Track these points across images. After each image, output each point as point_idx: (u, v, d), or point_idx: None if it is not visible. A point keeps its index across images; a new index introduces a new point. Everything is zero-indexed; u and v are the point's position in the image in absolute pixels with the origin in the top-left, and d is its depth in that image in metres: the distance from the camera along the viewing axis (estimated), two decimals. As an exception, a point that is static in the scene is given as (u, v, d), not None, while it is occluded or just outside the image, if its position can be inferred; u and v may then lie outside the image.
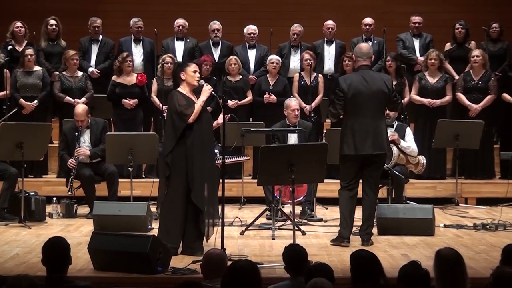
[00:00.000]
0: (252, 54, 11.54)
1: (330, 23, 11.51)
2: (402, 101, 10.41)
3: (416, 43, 11.52)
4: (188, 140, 7.11)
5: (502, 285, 4.18)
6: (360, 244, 7.62)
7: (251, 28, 11.56)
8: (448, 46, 11.42)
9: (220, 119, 7.73)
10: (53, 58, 11.20)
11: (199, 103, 7.16)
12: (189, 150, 7.10)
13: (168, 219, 7.18)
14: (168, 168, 7.13)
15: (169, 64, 10.58)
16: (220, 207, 7.17)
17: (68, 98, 10.60)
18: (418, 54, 11.45)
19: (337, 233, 7.77)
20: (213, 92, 7.29)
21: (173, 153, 7.13)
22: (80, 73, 10.79)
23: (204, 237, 7.20)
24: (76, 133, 9.42)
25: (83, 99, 10.62)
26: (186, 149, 7.10)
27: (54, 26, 11.19)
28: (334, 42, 11.46)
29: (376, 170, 7.78)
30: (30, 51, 10.53)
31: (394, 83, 10.65)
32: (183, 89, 7.28)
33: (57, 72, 10.91)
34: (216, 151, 9.35)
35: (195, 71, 7.27)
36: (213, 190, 7.23)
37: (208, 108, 10.65)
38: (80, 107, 9.58)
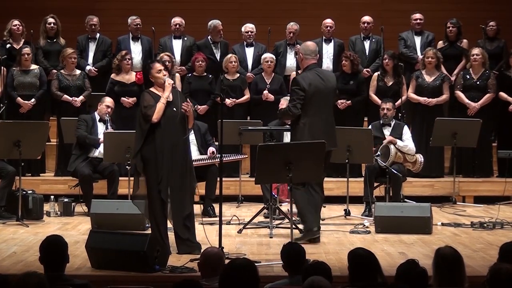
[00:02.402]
0: (250, 52, 11.52)
1: (329, 21, 11.48)
2: (401, 99, 10.49)
3: (417, 41, 11.49)
4: (157, 138, 7.09)
5: (499, 281, 4.18)
6: (310, 241, 7.56)
7: (248, 27, 11.54)
8: (440, 44, 11.42)
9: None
10: (51, 56, 11.18)
11: (161, 101, 7.11)
12: (158, 148, 7.08)
13: (154, 217, 7.16)
14: (136, 170, 7.17)
15: (167, 62, 10.55)
16: (218, 206, 7.16)
17: (66, 96, 10.60)
18: (419, 53, 11.43)
19: (304, 231, 7.83)
20: (174, 85, 7.27)
21: (144, 152, 7.09)
22: (78, 72, 10.79)
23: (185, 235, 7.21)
24: (106, 118, 9.54)
25: (81, 97, 10.62)
26: (155, 147, 7.08)
27: (52, 24, 11.16)
28: (332, 41, 11.44)
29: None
30: (27, 49, 10.52)
31: (391, 82, 10.73)
32: (155, 89, 7.25)
33: (55, 71, 10.90)
34: (213, 149, 9.36)
35: (159, 71, 7.23)
36: (183, 186, 7.18)
37: (204, 106, 10.73)
38: (109, 98, 9.85)
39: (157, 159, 7.06)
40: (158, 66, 7.29)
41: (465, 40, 11.40)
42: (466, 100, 10.77)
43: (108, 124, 9.53)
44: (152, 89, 7.27)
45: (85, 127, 9.56)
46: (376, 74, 10.89)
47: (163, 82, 7.19)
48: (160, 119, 7.07)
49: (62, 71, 10.71)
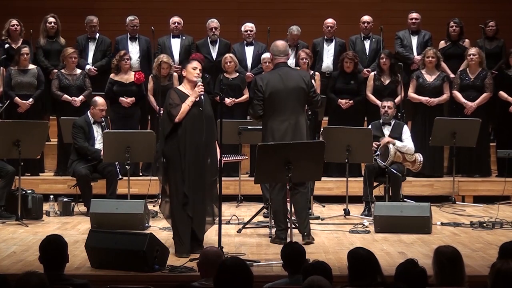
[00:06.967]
0: (249, 51, 11.51)
1: (330, 21, 11.46)
2: (400, 98, 10.50)
3: (414, 41, 11.49)
4: (180, 137, 7.13)
5: (503, 279, 4.18)
6: (302, 240, 7.52)
7: (248, 26, 11.52)
8: (442, 44, 11.42)
9: None
10: (51, 56, 11.18)
11: (187, 103, 7.15)
12: (181, 147, 7.11)
13: (174, 217, 7.18)
14: (161, 167, 7.19)
15: (165, 67, 10.52)
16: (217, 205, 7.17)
17: (66, 96, 10.60)
18: (415, 52, 11.44)
19: (275, 233, 7.79)
20: (202, 96, 7.31)
21: (167, 150, 7.15)
22: (78, 71, 10.79)
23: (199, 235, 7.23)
24: (103, 123, 9.51)
25: (81, 97, 10.61)
26: (179, 146, 7.12)
27: (53, 24, 11.16)
28: (333, 41, 11.43)
29: None
30: (25, 49, 10.50)
31: (388, 80, 10.73)
32: (184, 86, 7.31)
33: (55, 70, 10.91)
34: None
35: (194, 68, 7.27)
36: (210, 187, 7.23)
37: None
38: (101, 98, 9.69)
39: (181, 159, 7.10)
40: (196, 63, 7.36)
41: (467, 40, 11.41)
42: (463, 100, 10.77)
43: (105, 128, 9.51)
44: (180, 87, 7.34)
45: (83, 135, 9.47)
46: (372, 73, 10.89)
47: (195, 79, 7.21)
48: (183, 119, 7.11)
49: (62, 70, 10.71)
